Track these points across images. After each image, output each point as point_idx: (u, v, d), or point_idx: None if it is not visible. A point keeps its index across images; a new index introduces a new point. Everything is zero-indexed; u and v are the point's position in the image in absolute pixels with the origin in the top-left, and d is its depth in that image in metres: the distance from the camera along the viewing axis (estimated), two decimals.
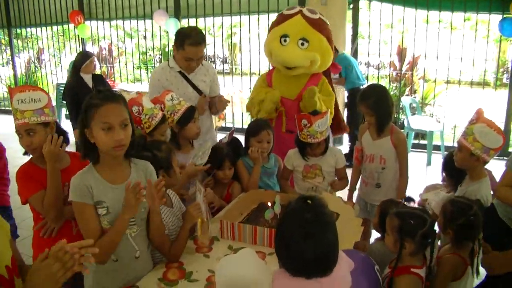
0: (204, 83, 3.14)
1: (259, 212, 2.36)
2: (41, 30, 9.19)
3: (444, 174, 2.69)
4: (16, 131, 1.98)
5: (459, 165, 2.31)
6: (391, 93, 7.34)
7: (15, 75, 9.57)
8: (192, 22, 7.83)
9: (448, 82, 6.31)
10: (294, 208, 1.43)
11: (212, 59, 11.52)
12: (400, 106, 6.58)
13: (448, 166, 2.54)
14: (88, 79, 4.78)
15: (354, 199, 2.93)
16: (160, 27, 7.86)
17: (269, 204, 2.31)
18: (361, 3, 6.59)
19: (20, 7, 8.90)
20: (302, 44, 3.05)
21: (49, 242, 1.89)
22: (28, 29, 9.47)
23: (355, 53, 6.46)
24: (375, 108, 2.63)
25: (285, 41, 3.11)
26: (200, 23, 7.93)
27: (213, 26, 7.75)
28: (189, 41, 2.85)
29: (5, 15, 9.05)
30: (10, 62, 9.56)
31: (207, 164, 2.71)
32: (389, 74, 7.08)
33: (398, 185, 2.70)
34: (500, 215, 2.21)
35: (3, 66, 10.03)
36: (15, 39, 10.17)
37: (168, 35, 7.81)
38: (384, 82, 7.36)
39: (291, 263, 1.38)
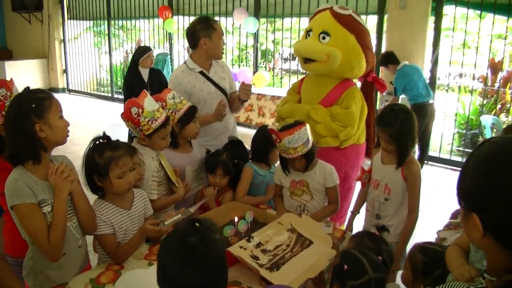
0: (224, 80, 3.07)
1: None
2: (134, 23, 9.84)
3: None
4: None
5: None
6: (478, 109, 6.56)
7: (110, 64, 10.39)
8: (271, 21, 7.78)
9: None
10: (178, 230, 1.29)
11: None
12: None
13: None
14: (145, 73, 4.97)
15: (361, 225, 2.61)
16: None
17: (236, 219, 2.15)
18: (447, 8, 5.94)
19: (119, 1, 9.63)
20: (324, 38, 2.82)
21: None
22: (125, 22, 10.23)
23: (435, 63, 5.87)
24: (397, 137, 2.21)
25: (308, 35, 2.94)
26: (278, 23, 7.85)
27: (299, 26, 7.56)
28: (213, 21, 2.91)
29: (106, 8, 9.87)
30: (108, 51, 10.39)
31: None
32: (472, 88, 6.30)
33: (404, 225, 2.29)
34: None
35: (106, 54, 10.92)
36: (118, 30, 11.08)
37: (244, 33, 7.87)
38: (468, 97, 6.57)
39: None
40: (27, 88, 1.73)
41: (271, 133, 2.28)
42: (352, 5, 6.39)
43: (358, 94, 2.86)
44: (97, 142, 1.91)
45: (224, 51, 3.10)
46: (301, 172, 2.36)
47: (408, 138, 2.23)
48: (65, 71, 11.11)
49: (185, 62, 3.05)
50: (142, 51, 4.99)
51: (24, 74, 10.55)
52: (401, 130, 2.21)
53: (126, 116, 2.23)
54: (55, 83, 11.11)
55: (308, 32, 2.93)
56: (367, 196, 2.49)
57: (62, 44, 10.90)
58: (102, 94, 10.81)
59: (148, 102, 2.25)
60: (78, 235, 1.83)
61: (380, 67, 5.77)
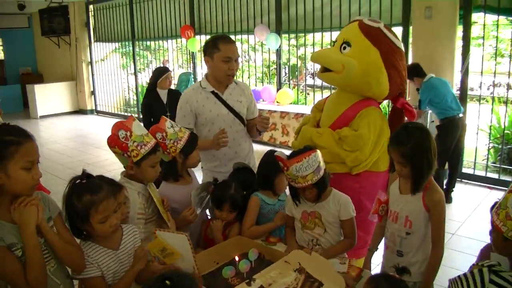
0: (240, 103, 2.89)
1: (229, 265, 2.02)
2: (157, 44, 9.91)
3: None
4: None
5: (496, 250, 1.64)
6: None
7: (136, 84, 10.50)
8: (293, 37, 7.65)
9: None
10: None
11: None
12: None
13: None
14: (163, 94, 4.88)
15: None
16: None
17: (237, 259, 1.97)
18: (476, 16, 5.62)
19: (142, 22, 9.75)
20: (344, 48, 2.61)
21: None
22: (150, 42, 10.31)
23: (465, 74, 5.55)
24: (411, 158, 1.98)
25: (333, 46, 2.76)
26: (302, 39, 7.70)
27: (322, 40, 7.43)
28: (222, 40, 2.72)
29: (130, 29, 10.01)
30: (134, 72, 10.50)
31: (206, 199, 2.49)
32: (507, 99, 5.91)
33: (428, 263, 2.03)
34: None
35: (132, 75, 11.07)
36: (144, 51, 11.24)
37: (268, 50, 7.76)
38: (503, 108, 6.19)
39: None
40: (2, 125, 1.58)
41: (278, 160, 2.10)
42: (375, 17, 6.15)
43: (373, 115, 2.58)
44: (77, 181, 1.73)
45: (245, 72, 2.93)
46: (313, 203, 2.17)
47: (424, 159, 1.98)
48: (93, 92, 11.31)
49: (200, 81, 2.92)
50: (159, 73, 4.92)
51: (53, 97, 10.84)
52: (416, 149, 1.97)
53: (113, 140, 2.05)
54: (84, 104, 11.33)
55: (334, 42, 2.76)
56: (385, 231, 2.25)
57: (90, 66, 11.12)
58: (130, 114, 10.92)
59: (137, 125, 2.11)
60: (58, 280, 1.67)
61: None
